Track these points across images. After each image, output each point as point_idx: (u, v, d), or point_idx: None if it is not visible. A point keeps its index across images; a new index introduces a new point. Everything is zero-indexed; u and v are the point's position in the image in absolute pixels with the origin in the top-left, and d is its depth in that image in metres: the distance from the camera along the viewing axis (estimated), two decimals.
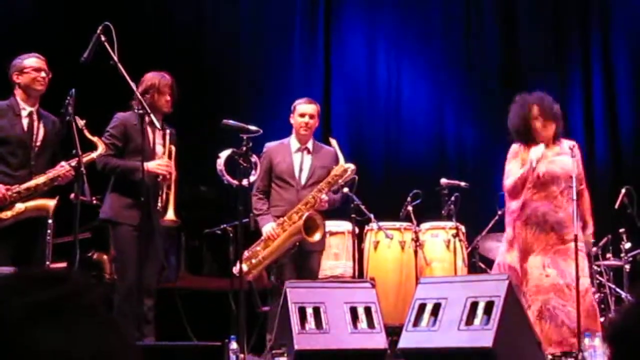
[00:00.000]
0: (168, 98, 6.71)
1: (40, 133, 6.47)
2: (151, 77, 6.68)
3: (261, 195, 7.22)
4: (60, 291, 1.18)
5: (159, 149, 6.65)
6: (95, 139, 6.39)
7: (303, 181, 7.29)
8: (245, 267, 6.87)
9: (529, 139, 6.91)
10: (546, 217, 6.76)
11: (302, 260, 7.24)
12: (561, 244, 6.73)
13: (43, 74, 6.43)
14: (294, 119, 7.36)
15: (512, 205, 6.96)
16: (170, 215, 6.44)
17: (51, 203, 6.35)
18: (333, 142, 7.31)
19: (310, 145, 7.40)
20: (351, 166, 7.23)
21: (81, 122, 6.23)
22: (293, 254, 7.18)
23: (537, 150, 6.79)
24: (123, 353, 1.20)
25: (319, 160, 7.36)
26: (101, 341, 1.17)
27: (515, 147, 7.00)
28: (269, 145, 7.34)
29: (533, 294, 6.63)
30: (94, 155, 6.37)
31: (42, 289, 1.18)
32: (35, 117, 6.47)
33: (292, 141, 7.40)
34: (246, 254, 7.07)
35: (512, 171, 6.90)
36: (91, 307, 1.20)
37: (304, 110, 7.35)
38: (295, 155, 7.34)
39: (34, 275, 1.22)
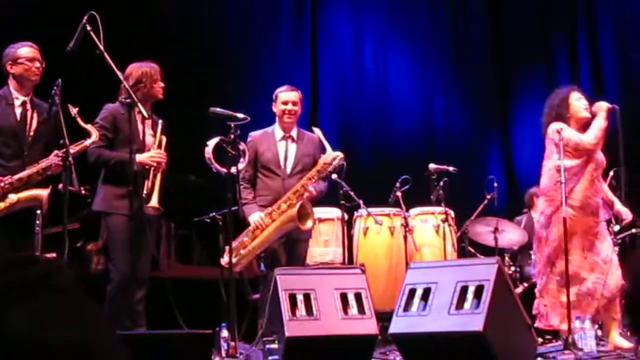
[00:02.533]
0: (162, 84, 6.70)
1: (33, 123, 6.41)
2: (140, 67, 6.62)
3: (247, 185, 7.19)
4: (30, 273, 1.17)
5: (149, 139, 6.60)
6: (88, 126, 6.34)
7: (289, 170, 7.27)
8: (233, 259, 6.86)
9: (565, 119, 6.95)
10: (589, 200, 6.88)
11: (290, 248, 7.24)
12: (595, 226, 6.90)
13: (37, 64, 6.37)
14: (277, 107, 7.34)
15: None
16: (153, 202, 6.38)
17: (44, 193, 6.30)
18: (317, 130, 7.30)
19: (294, 133, 7.38)
20: (339, 154, 7.22)
21: (74, 110, 6.18)
22: (282, 242, 7.18)
23: (604, 102, 6.94)
24: (97, 334, 1.19)
25: (304, 148, 7.35)
26: (73, 323, 1.16)
27: (558, 124, 6.92)
28: (253, 134, 7.30)
29: (572, 275, 6.70)
30: (87, 142, 6.31)
31: (12, 272, 1.17)
32: (28, 106, 6.40)
33: (276, 130, 7.38)
34: (234, 244, 7.04)
35: (579, 133, 6.88)
36: (62, 289, 1.19)
37: (287, 97, 7.32)
38: (279, 143, 7.32)
39: (2, 259, 1.20)
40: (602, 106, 6.85)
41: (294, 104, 7.33)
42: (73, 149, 6.22)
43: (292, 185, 7.15)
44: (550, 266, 6.87)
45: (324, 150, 7.25)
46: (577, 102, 6.94)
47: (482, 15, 11.90)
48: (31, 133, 6.40)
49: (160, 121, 6.67)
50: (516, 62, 11.83)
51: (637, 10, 11.44)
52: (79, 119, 6.24)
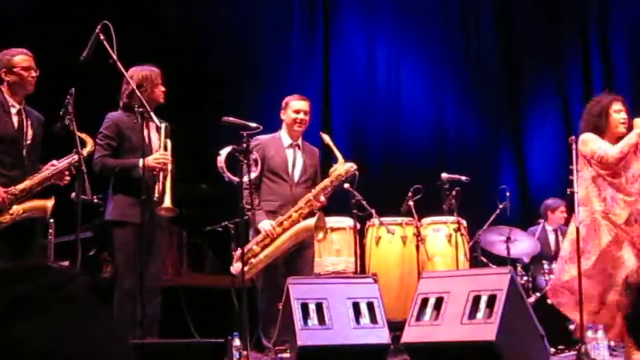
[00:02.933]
0: (163, 88, 6.64)
1: (29, 131, 6.29)
2: (140, 71, 6.57)
3: (251, 192, 7.05)
4: (41, 283, 1.17)
5: (154, 143, 6.56)
6: (83, 135, 6.32)
7: (296, 178, 7.26)
8: (245, 266, 6.85)
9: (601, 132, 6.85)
10: (632, 211, 6.74)
11: (296, 255, 7.20)
12: None
13: (33, 73, 6.25)
14: (287, 115, 7.33)
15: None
16: (167, 202, 6.33)
17: (49, 203, 6.25)
18: (326, 137, 7.27)
19: (300, 142, 7.39)
20: (353, 165, 7.23)
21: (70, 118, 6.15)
22: (292, 251, 7.15)
23: None
24: (109, 344, 1.18)
25: (308, 158, 7.35)
26: (86, 333, 1.16)
27: (589, 133, 6.86)
28: (261, 138, 7.21)
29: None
30: (84, 152, 6.29)
31: (23, 283, 1.16)
32: (23, 114, 6.27)
33: (284, 136, 7.36)
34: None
35: (607, 145, 6.76)
36: (74, 298, 1.18)
37: (299, 106, 7.33)
38: (288, 150, 7.32)
39: (13, 270, 1.20)
40: (638, 123, 6.72)
41: (305, 113, 7.34)
42: (66, 161, 6.21)
43: (299, 194, 7.13)
44: (609, 278, 6.72)
45: (331, 158, 7.24)
46: (616, 115, 6.84)
47: (493, 23, 11.90)
48: (28, 142, 6.26)
49: (163, 125, 6.58)
50: (528, 70, 11.81)
51: None
52: (74, 128, 6.18)
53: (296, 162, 7.31)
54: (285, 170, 7.24)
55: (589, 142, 6.73)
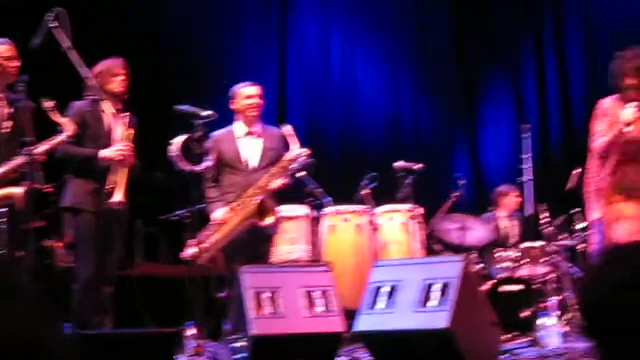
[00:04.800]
0: (122, 78, 6.61)
1: (8, 121, 6.22)
2: (102, 63, 6.61)
3: (212, 184, 7.09)
4: None
5: (118, 134, 6.53)
6: (65, 120, 6.26)
7: (255, 165, 7.24)
8: (195, 250, 6.82)
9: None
10: (636, 184, 6.26)
11: (254, 244, 7.20)
12: None
13: (15, 63, 6.22)
14: (239, 104, 7.27)
15: (596, 171, 6.41)
16: (118, 197, 6.31)
17: (19, 191, 6.15)
18: (288, 128, 7.25)
19: (258, 128, 7.35)
20: (303, 151, 7.19)
21: (50, 104, 6.07)
22: (246, 239, 7.12)
23: (627, 112, 6.11)
24: (44, 330, 1.18)
25: (269, 142, 7.31)
26: (21, 320, 1.15)
27: (605, 103, 6.33)
28: (215, 134, 7.19)
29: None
30: (63, 137, 6.23)
31: None
32: (3, 103, 6.22)
33: (239, 127, 7.31)
34: (197, 239, 7.01)
35: (600, 132, 6.27)
36: (9, 287, 1.18)
37: (251, 92, 7.29)
38: (243, 140, 7.27)
39: None
40: (621, 118, 6.14)
41: (260, 97, 7.30)
42: (47, 145, 6.14)
43: (257, 181, 7.12)
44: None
45: (287, 145, 7.21)
46: (630, 81, 6.18)
47: (449, 10, 11.94)
48: (4, 131, 6.23)
49: (128, 115, 6.60)
50: (483, 60, 11.89)
51: (604, 13, 11.52)
52: (55, 113, 6.14)
53: (254, 149, 7.27)
54: (239, 160, 7.21)
55: (594, 118, 6.32)
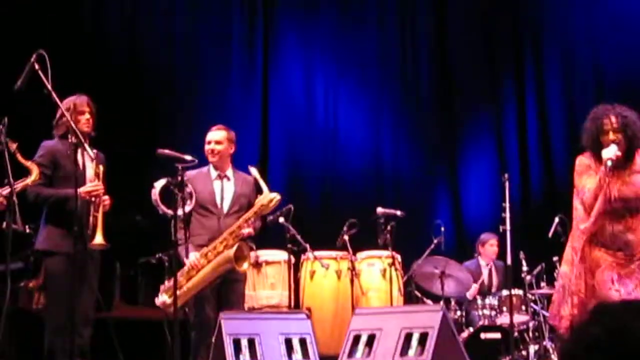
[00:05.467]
0: (88, 117, 6.55)
1: None
2: (67, 101, 6.51)
3: (181, 225, 6.87)
4: None
5: (89, 172, 6.51)
6: (28, 163, 6.24)
7: (225, 209, 7.21)
8: (167, 299, 6.78)
9: (598, 152, 6.13)
10: (614, 239, 6.16)
11: (225, 289, 7.15)
12: (629, 263, 6.14)
13: None
14: (205, 147, 7.31)
15: (582, 224, 6.23)
16: (98, 239, 6.29)
17: None
18: (253, 170, 7.21)
19: (229, 173, 7.33)
20: (277, 196, 7.16)
21: (13, 146, 6.04)
22: (216, 285, 7.07)
23: (610, 150, 5.99)
24: None
25: (240, 188, 7.29)
26: None
27: (584, 160, 6.25)
28: (189, 173, 7.07)
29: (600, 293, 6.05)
30: (28, 180, 6.21)
31: None
32: None
33: (211, 169, 7.32)
34: (167, 284, 6.95)
35: (588, 185, 6.14)
36: None
37: (209, 137, 7.28)
38: (215, 182, 7.27)
39: None
40: (604, 157, 6.02)
41: (217, 142, 7.25)
42: (16, 187, 6.12)
43: (228, 225, 7.06)
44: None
45: (260, 191, 7.19)
46: (605, 137, 6.11)
47: (429, 59, 12.02)
48: None
49: (95, 152, 6.53)
50: (464, 105, 11.94)
51: (583, 58, 11.63)
52: (18, 155, 6.12)
53: (225, 193, 7.25)
54: (213, 203, 7.18)
55: (577, 175, 6.24)
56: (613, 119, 6.09)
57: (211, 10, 11.19)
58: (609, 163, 5.93)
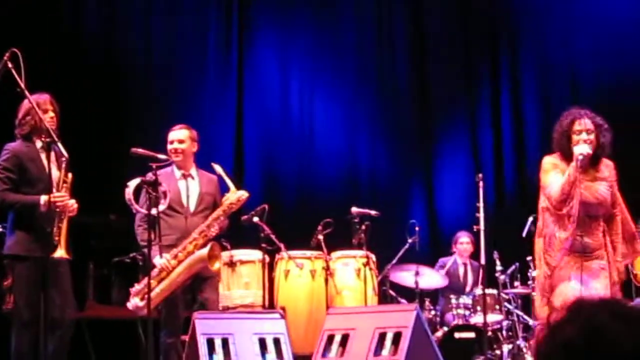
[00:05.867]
0: (52, 115, 6.38)
1: None
2: (31, 99, 6.25)
3: (146, 226, 6.73)
4: None
5: (54, 175, 6.36)
6: None
7: (192, 208, 7.17)
8: (139, 302, 6.75)
9: (568, 152, 6.21)
10: (573, 242, 6.19)
11: (202, 286, 7.11)
12: (587, 261, 6.18)
13: None
14: (168, 147, 7.26)
15: (560, 233, 6.26)
16: (59, 252, 6.13)
17: None
18: (217, 168, 7.16)
19: (193, 172, 7.29)
20: (244, 193, 7.14)
21: None
22: (188, 285, 7.04)
23: (582, 147, 6.08)
24: None
25: (204, 186, 7.26)
26: None
27: (551, 159, 6.30)
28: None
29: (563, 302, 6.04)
30: None
31: None
32: None
33: (175, 169, 7.26)
34: (138, 287, 6.92)
35: (555, 181, 6.19)
36: None
37: (171, 136, 7.22)
38: (180, 182, 7.22)
39: None
40: (575, 152, 6.11)
41: (179, 142, 7.19)
42: None
43: (195, 224, 7.03)
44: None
45: (226, 188, 7.17)
46: (576, 137, 6.19)
47: (407, 59, 12.04)
48: None
49: (64, 158, 6.33)
50: (439, 107, 11.97)
51: (558, 59, 11.69)
52: None
53: (190, 192, 7.21)
54: (179, 203, 7.13)
55: (544, 172, 6.30)
56: (587, 120, 6.17)
57: (187, 10, 11.17)
58: (580, 157, 6.00)
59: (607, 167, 6.29)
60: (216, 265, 6.99)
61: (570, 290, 6.10)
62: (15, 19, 9.58)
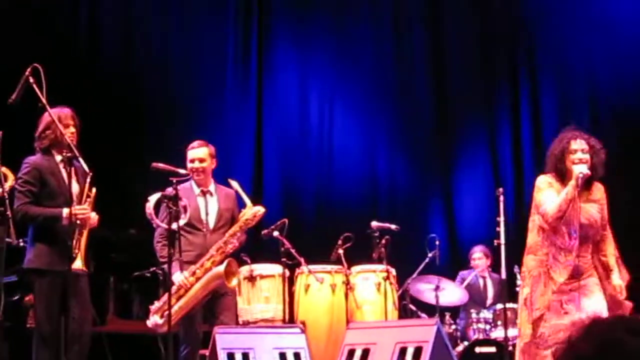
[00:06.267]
0: (73, 130, 6.41)
1: None
2: (51, 112, 6.29)
3: (165, 242, 6.72)
4: None
5: (74, 188, 6.37)
6: (4, 169, 6.21)
7: (211, 225, 7.17)
8: (159, 320, 6.75)
9: (562, 172, 6.30)
10: (581, 270, 6.26)
11: (215, 303, 7.10)
12: (579, 281, 6.23)
13: None
14: (187, 165, 7.25)
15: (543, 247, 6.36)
16: (77, 264, 6.16)
17: None
18: (234, 183, 7.18)
19: (212, 188, 7.29)
20: (261, 209, 7.15)
21: None
22: (206, 301, 7.04)
23: (582, 166, 6.16)
24: None
25: (223, 203, 7.26)
26: None
27: (546, 177, 6.36)
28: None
29: (553, 334, 6.14)
30: (5, 186, 6.18)
31: None
32: None
33: (194, 185, 7.27)
34: (157, 304, 6.92)
35: (550, 199, 6.24)
36: None
37: (192, 155, 7.21)
38: (199, 199, 7.22)
39: None
40: (575, 172, 6.17)
41: (201, 160, 7.21)
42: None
43: (214, 241, 7.02)
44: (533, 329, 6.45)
45: (243, 204, 7.17)
46: (572, 156, 6.25)
47: (426, 72, 12.04)
48: None
49: (88, 173, 6.39)
50: (458, 120, 11.96)
51: (576, 64, 11.65)
52: None
53: (209, 209, 7.21)
54: (199, 219, 7.13)
55: (539, 190, 6.34)
56: (583, 142, 6.25)
57: (205, 21, 11.21)
58: (581, 175, 6.07)
59: (599, 190, 6.38)
60: (233, 282, 6.98)
61: (565, 317, 6.16)
62: (33, 37, 9.64)
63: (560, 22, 11.81)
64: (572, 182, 6.10)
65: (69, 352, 6.19)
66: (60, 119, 6.33)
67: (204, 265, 6.90)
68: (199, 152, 7.24)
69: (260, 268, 8.14)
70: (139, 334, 8.43)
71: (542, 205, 6.26)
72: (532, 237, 6.46)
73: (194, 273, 6.89)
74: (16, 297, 7.67)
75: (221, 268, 6.86)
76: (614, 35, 11.48)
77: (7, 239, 6.10)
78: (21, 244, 6.87)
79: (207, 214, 7.17)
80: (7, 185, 6.17)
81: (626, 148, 10.90)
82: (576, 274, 6.22)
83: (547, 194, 6.27)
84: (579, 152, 6.20)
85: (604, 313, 6.19)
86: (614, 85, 11.41)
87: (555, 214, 6.16)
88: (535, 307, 6.27)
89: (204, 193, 7.23)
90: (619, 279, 6.32)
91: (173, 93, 10.84)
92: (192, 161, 7.20)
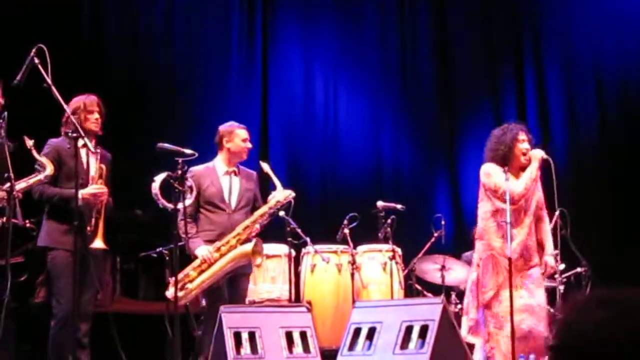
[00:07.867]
0: (97, 117, 6.63)
1: None
2: (77, 100, 6.61)
3: (189, 219, 6.92)
4: None
5: (92, 171, 6.56)
6: (43, 159, 6.29)
7: (233, 205, 7.20)
8: (180, 293, 6.79)
9: (507, 163, 6.84)
10: (526, 244, 6.81)
11: (233, 283, 7.17)
12: (527, 269, 6.75)
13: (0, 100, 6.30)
14: (234, 143, 7.26)
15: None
16: (97, 243, 6.36)
17: None
18: (265, 166, 7.25)
19: (236, 168, 7.35)
20: (292, 193, 7.22)
21: (30, 142, 6.11)
22: (226, 279, 7.11)
23: (539, 151, 6.91)
24: None
25: (245, 183, 7.31)
26: None
27: (492, 165, 6.88)
28: (195, 169, 7.15)
29: (506, 315, 6.47)
30: (40, 176, 6.24)
31: None
32: None
33: (219, 165, 7.31)
34: (179, 276, 6.96)
35: (511, 180, 6.75)
36: None
37: (245, 135, 7.33)
38: (223, 178, 7.26)
39: None
40: (537, 155, 6.83)
41: (250, 141, 7.36)
42: (25, 183, 6.14)
43: (237, 220, 7.09)
44: (485, 309, 6.68)
45: (273, 187, 7.22)
46: (520, 145, 6.87)
47: (431, 52, 12.02)
48: None
49: (99, 152, 6.64)
50: (464, 100, 11.94)
51: (582, 47, 11.61)
52: (34, 151, 6.18)
53: (232, 188, 7.27)
54: (222, 199, 7.19)
55: (493, 175, 6.77)
56: (527, 135, 6.95)
57: (211, 7, 11.18)
58: (546, 157, 6.81)
59: None
60: (258, 261, 7.11)
61: (518, 299, 6.54)
62: (36, 17, 9.62)
63: (565, 3, 11.77)
64: (535, 164, 6.80)
65: (78, 331, 6.28)
66: (85, 105, 6.55)
67: (229, 242, 6.96)
68: (247, 133, 7.34)
69: (266, 248, 8.14)
70: (145, 314, 8.46)
71: (500, 188, 6.69)
72: (481, 223, 6.96)
73: (218, 249, 6.95)
74: (23, 278, 7.70)
75: (249, 246, 6.92)
76: (620, 16, 11.44)
77: (14, 220, 6.10)
78: (27, 225, 6.89)
79: (230, 193, 7.21)
80: (43, 176, 6.22)
81: (631, 129, 10.89)
82: (526, 254, 6.74)
83: (499, 178, 6.73)
84: (526, 142, 6.87)
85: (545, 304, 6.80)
86: (619, 66, 11.37)
87: (522, 192, 6.73)
88: (489, 289, 6.49)
89: (229, 173, 7.26)
90: (550, 256, 6.94)
91: (178, 74, 10.82)
92: (245, 140, 7.30)
